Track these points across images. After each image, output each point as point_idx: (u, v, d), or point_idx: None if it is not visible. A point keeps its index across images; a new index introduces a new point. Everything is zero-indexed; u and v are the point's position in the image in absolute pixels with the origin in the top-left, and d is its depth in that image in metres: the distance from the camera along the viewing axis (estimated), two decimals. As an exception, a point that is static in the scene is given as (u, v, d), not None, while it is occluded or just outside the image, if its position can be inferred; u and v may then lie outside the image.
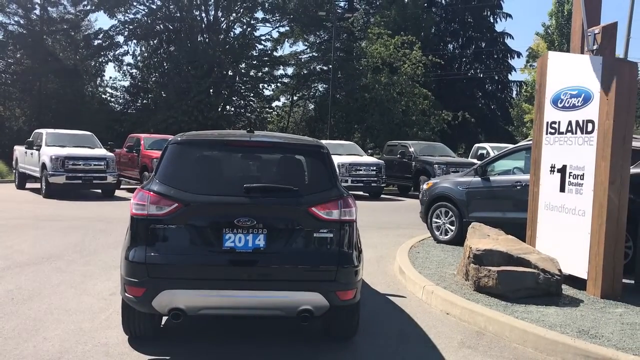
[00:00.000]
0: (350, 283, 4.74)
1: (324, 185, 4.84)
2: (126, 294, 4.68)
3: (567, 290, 6.91)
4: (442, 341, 5.50)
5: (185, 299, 4.51)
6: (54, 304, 6.22)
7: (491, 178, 9.93)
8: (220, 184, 4.81)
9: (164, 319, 5.39)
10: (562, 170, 7.32)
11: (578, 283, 7.06)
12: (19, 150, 20.20)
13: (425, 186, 11.28)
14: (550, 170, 7.55)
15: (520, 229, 8.17)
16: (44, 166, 17.03)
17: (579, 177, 7.05)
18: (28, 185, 19.61)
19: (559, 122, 7.40)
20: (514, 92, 49.32)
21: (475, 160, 21.33)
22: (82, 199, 16.90)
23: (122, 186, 20.25)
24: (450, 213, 10.33)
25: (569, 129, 7.21)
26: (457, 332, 5.81)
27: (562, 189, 7.31)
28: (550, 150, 7.57)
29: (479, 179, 10.01)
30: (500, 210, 9.60)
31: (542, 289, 6.54)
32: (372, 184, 20.03)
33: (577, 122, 7.08)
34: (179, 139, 4.97)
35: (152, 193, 4.63)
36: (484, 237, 7.47)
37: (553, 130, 7.52)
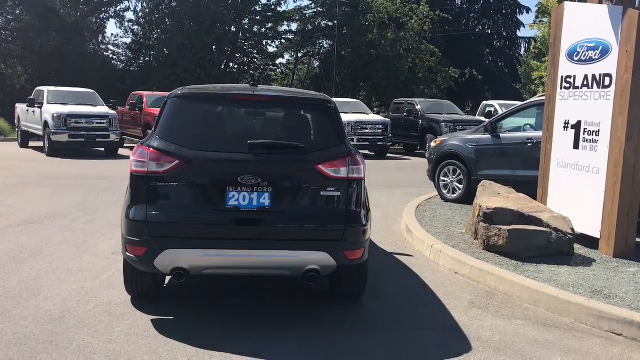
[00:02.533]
0: (358, 242, 4.59)
1: (332, 141, 4.64)
2: (127, 254, 4.54)
3: (579, 249, 6.76)
4: (452, 301, 5.38)
5: (188, 258, 4.37)
6: (56, 263, 6.12)
7: (501, 135, 9.69)
8: (223, 140, 4.62)
9: (167, 278, 5.28)
10: (577, 127, 7.09)
11: (591, 242, 6.91)
12: (20, 108, 19.98)
13: (432, 144, 11.06)
14: (564, 127, 7.31)
15: (530, 188, 7.98)
16: (46, 124, 16.84)
17: (594, 133, 6.81)
18: (31, 143, 19.47)
19: (575, 76, 7.13)
20: (522, 49, 48.49)
21: (482, 118, 20.99)
22: (86, 157, 16.76)
23: (125, 144, 20.08)
24: (459, 171, 10.14)
25: (585, 83, 6.94)
26: (467, 291, 5.69)
27: (576, 146, 7.09)
28: (565, 105, 7.32)
29: (489, 136, 9.78)
30: (510, 168, 9.39)
31: (554, 248, 6.39)
32: (378, 143, 19.77)
33: (593, 76, 6.81)
34: (179, 92, 4.75)
35: (151, 149, 4.45)
36: (494, 196, 7.29)
37: (568, 85, 7.25)
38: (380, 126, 19.80)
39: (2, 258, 6.22)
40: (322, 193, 4.49)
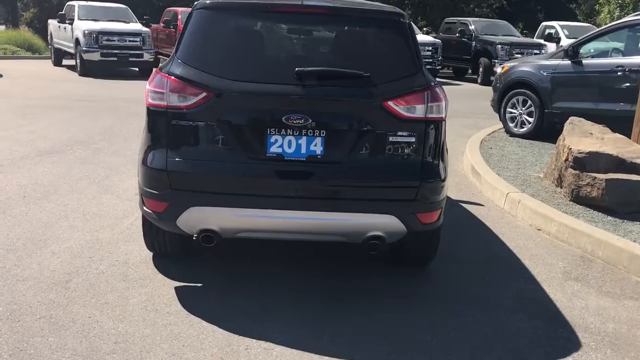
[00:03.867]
0: (434, 203, 3.58)
1: (405, 69, 3.55)
2: (145, 209, 3.64)
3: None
4: (541, 269, 4.38)
5: (219, 218, 3.45)
6: (71, 204, 5.30)
7: (584, 61, 8.32)
8: (263, 66, 3.55)
9: (196, 232, 4.38)
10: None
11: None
12: (52, 24, 19.06)
13: (499, 70, 9.75)
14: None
15: (619, 124, 6.77)
16: (77, 42, 15.94)
17: None
18: (65, 62, 18.63)
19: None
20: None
21: (542, 41, 19.22)
22: (119, 77, 15.86)
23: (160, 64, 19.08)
24: (529, 102, 8.87)
25: None
26: (557, 256, 4.67)
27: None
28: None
29: (569, 62, 8.42)
30: (593, 100, 8.09)
31: (662, 203, 5.26)
32: (427, 66, 18.24)
33: None
34: (207, 2, 3.65)
35: (172, 77, 3.44)
36: (585, 136, 6.11)
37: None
38: (430, 47, 18.23)
39: (11, 197, 5.43)
40: (390, 138, 3.45)
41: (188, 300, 3.63)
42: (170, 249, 4.05)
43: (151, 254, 4.22)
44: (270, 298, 3.69)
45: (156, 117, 3.50)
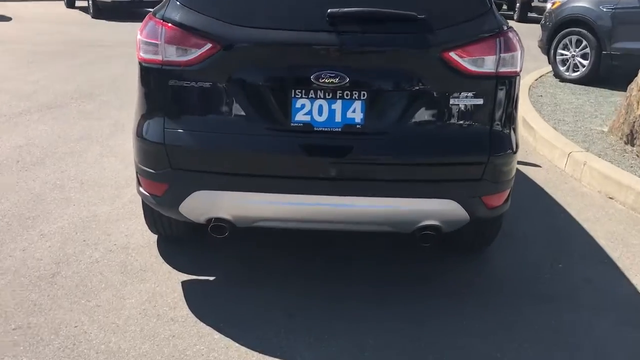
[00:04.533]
0: (504, 182, 2.83)
1: (471, 10, 2.72)
2: (141, 190, 2.95)
3: None
4: (622, 252, 3.64)
5: (231, 205, 2.75)
6: (68, 171, 4.64)
7: (653, -5, 7.26)
8: (285, 8, 2.72)
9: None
10: None
11: None
12: (64, -37, 18.08)
13: (549, 6, 8.70)
14: None
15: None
16: (89, -18, 15.04)
17: None
18: (78, 3, 17.76)
19: None
20: None
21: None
22: (133, 19, 14.93)
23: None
24: (584, 42, 7.88)
25: None
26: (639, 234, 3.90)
27: None
28: None
29: (634, -4, 7.37)
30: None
31: None
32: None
33: None
34: None
35: (168, 24, 2.66)
36: (664, 84, 5.20)
37: None
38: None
39: (3, 163, 4.79)
40: (452, 101, 2.66)
41: (197, 301, 2.98)
42: (176, 231, 3.38)
43: (155, 235, 3.56)
44: (297, 299, 3.01)
45: (150, 76, 2.75)
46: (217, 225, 2.80)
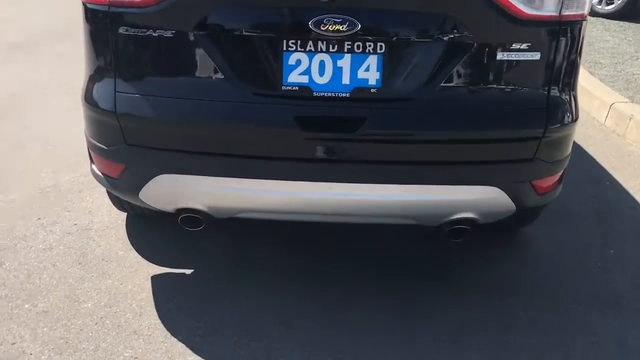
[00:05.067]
0: (561, 160, 2.19)
1: None
2: (94, 168, 2.32)
3: None
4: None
5: (207, 192, 2.12)
6: (32, 128, 4.01)
7: None
8: None
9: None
10: None
11: None
12: None
13: None
14: None
15: None
16: None
17: None
18: None
19: None
20: None
21: None
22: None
23: None
24: (620, -29, 7.01)
25: None
26: None
27: None
28: None
29: None
30: None
31: None
32: None
33: None
34: None
35: (115, -51, 1.95)
36: None
37: None
38: None
39: (-45, 117, 4.13)
40: (499, 56, 1.97)
41: (169, 304, 2.40)
42: (147, 210, 2.76)
43: (124, 212, 2.95)
44: (294, 305, 2.42)
45: (95, 23, 2.07)
46: (189, 217, 2.18)
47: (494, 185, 2.07)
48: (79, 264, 2.63)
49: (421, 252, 2.78)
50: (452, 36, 1.95)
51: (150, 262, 2.65)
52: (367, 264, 2.69)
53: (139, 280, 2.53)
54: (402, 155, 2.03)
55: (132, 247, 2.76)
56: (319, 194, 2.05)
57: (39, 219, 2.95)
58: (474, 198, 2.09)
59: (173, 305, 2.39)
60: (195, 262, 2.66)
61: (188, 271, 2.61)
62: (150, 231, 2.85)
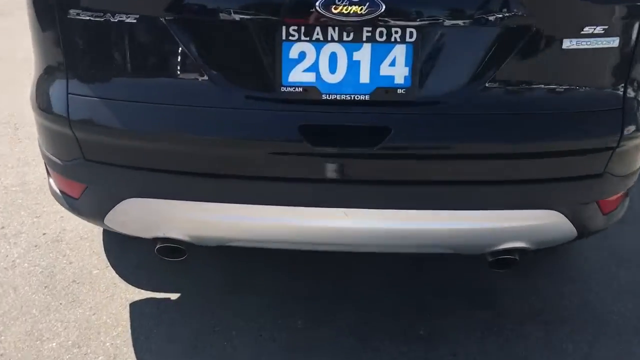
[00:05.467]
0: (632, 174, 1.73)
1: None
2: (51, 184, 1.88)
3: None
4: None
5: (188, 221, 1.68)
6: (1, 114, 3.54)
7: None
8: None
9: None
10: None
11: None
12: None
13: None
14: None
15: None
16: None
17: None
18: None
19: None
20: None
21: None
22: None
23: None
24: None
25: None
26: None
27: None
28: None
29: None
30: None
31: None
32: None
33: None
34: None
35: None
36: None
37: None
38: None
39: None
40: (565, 44, 1.50)
41: (149, 346, 1.99)
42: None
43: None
44: (302, 342, 2.02)
45: (42, 7, 1.59)
46: (168, 247, 1.75)
47: (552, 209, 1.63)
48: (46, 287, 2.23)
49: (447, 273, 2.36)
50: (505, 18, 1.48)
51: (130, 283, 2.25)
52: (384, 292, 2.27)
53: (114, 308, 2.13)
54: (437, 174, 1.59)
55: (108, 263, 2.35)
56: (332, 222, 1.61)
57: (2, 227, 2.54)
58: (528, 225, 1.65)
59: (154, 344, 1.99)
60: (182, 283, 2.25)
61: (173, 296, 2.21)
62: (131, 243, 2.41)
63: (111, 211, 1.69)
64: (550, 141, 1.56)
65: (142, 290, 2.22)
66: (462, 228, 1.64)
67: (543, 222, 1.64)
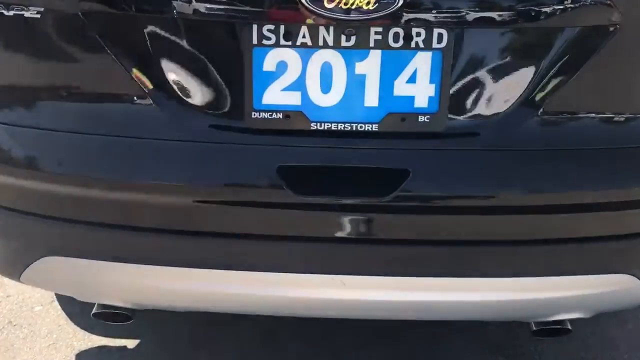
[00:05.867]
0: None
1: None
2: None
3: None
4: None
5: (128, 288, 1.24)
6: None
7: None
8: None
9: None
10: None
11: None
12: None
13: None
14: None
15: None
16: None
17: None
18: None
19: None
20: None
21: None
22: None
23: None
24: None
25: None
26: None
27: None
28: None
29: None
30: None
31: None
32: None
33: None
34: None
35: None
36: None
37: None
38: None
39: None
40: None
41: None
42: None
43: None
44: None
45: None
46: (106, 312, 1.32)
47: (624, 273, 1.20)
48: (8, 323, 1.83)
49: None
50: (575, 17, 1.02)
51: (77, 325, 1.84)
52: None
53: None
54: (472, 232, 1.14)
55: (54, 297, 1.93)
56: (324, 294, 1.18)
57: None
58: (591, 293, 1.22)
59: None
60: (142, 325, 1.83)
61: (131, 343, 1.79)
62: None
63: (28, 269, 1.25)
64: (633, 187, 1.12)
65: (92, 335, 1.81)
66: (504, 300, 1.21)
67: (612, 289, 1.22)
